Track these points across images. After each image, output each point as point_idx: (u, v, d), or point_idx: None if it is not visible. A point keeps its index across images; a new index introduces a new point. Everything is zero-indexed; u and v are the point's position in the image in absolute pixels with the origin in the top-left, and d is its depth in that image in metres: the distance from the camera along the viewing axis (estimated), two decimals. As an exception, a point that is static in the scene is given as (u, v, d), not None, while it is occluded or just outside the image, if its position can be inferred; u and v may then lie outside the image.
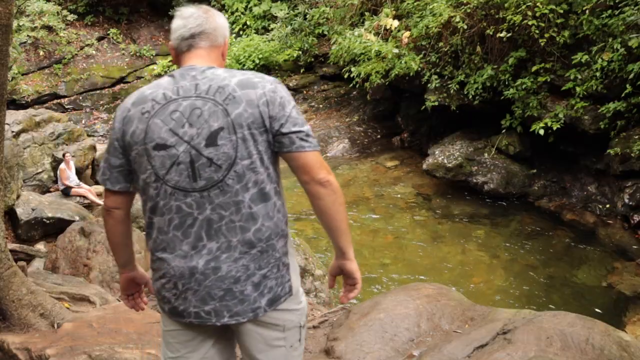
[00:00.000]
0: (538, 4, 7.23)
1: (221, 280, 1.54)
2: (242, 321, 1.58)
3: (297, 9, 13.54)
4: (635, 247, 6.47)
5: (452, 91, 8.62)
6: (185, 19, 1.60)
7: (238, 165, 1.50)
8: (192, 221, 1.53)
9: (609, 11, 6.84)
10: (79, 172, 8.74)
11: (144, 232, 1.67)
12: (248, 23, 14.75)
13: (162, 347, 1.72)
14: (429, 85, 8.81)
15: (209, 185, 1.51)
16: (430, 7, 8.78)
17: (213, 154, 1.50)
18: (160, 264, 1.58)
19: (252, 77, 1.55)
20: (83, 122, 13.15)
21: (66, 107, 13.61)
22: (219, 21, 1.64)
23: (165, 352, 1.70)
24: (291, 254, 1.67)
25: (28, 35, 13.48)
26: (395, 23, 9.28)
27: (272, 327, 1.63)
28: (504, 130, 8.29)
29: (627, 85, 6.55)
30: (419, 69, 8.79)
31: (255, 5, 14.73)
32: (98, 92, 14.20)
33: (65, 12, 14.19)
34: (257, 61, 13.30)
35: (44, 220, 6.54)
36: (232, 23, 15.06)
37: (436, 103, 8.82)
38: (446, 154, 8.54)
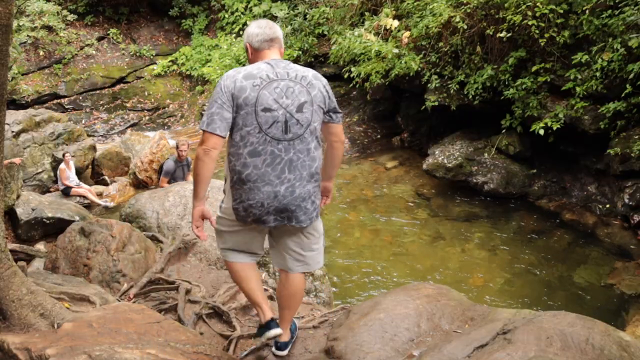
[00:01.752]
0: (538, 4, 7.23)
1: (295, 199, 2.37)
2: (303, 226, 2.46)
3: (297, 9, 13.53)
4: (635, 247, 6.47)
5: (452, 91, 8.62)
6: (263, 28, 2.45)
7: (312, 125, 2.37)
8: (279, 160, 2.33)
9: (609, 11, 6.84)
10: (79, 172, 8.74)
11: (228, 175, 2.44)
12: (248, 23, 14.69)
13: (225, 242, 2.59)
14: (429, 85, 8.80)
15: (294, 137, 2.34)
16: (430, 7, 8.78)
17: (300, 117, 2.34)
18: (251, 191, 2.34)
19: (317, 73, 2.47)
20: (83, 122, 13.14)
21: (66, 107, 13.61)
22: (280, 31, 2.50)
23: (227, 242, 2.59)
24: None
25: (28, 35, 13.48)
26: (395, 23, 9.28)
27: (313, 232, 2.57)
28: (504, 130, 8.29)
29: (627, 85, 6.55)
30: (419, 69, 8.78)
31: (255, 5, 14.72)
32: (98, 92, 14.19)
33: (65, 12, 14.19)
34: (257, 61, 13.29)
35: (44, 220, 6.53)
36: (232, 23, 15.06)
37: (436, 103, 8.82)
38: (446, 154, 8.54)
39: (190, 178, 7.45)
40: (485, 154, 8.41)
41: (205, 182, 2.36)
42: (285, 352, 2.78)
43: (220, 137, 2.28)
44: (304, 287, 2.70)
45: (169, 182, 7.29)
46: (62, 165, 8.30)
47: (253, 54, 2.46)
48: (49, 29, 13.95)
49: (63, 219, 6.59)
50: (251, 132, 2.29)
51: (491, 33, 7.89)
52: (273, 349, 2.79)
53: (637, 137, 6.66)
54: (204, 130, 2.30)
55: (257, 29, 2.43)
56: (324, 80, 2.46)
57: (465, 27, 8.10)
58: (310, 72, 2.41)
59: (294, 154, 2.33)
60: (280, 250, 2.60)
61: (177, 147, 7.59)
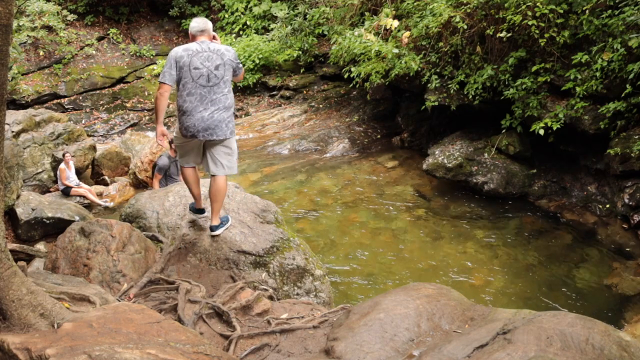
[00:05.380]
0: (538, 4, 7.23)
1: (214, 121, 3.86)
2: (220, 138, 3.93)
3: (297, 9, 13.53)
4: (635, 247, 6.47)
5: (452, 91, 8.62)
6: (198, 23, 3.96)
7: (224, 78, 3.90)
8: (205, 99, 3.84)
9: (609, 11, 6.85)
10: (79, 172, 8.74)
11: (175, 116, 4.07)
12: (248, 23, 14.73)
13: (182, 155, 4.17)
14: (429, 85, 8.80)
15: (214, 85, 3.85)
16: (430, 7, 8.78)
17: (217, 73, 3.86)
18: (188, 117, 3.84)
19: (228, 47, 3.99)
20: (83, 122, 13.13)
21: (66, 107, 13.60)
22: (210, 25, 4.02)
23: (183, 155, 4.17)
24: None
25: (28, 35, 13.47)
26: (395, 23, 9.28)
27: (227, 147, 4.04)
28: (504, 130, 8.29)
29: (627, 85, 6.55)
30: (419, 69, 8.79)
31: (255, 5, 14.72)
32: (98, 92, 14.19)
33: (65, 12, 14.19)
34: (257, 61, 13.29)
35: (44, 220, 6.54)
36: (232, 23, 15.05)
37: (436, 103, 8.82)
38: (446, 154, 8.55)
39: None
40: (485, 154, 8.41)
41: (162, 111, 3.86)
42: (217, 232, 4.21)
43: (169, 85, 3.79)
44: (225, 186, 4.11)
45: (163, 179, 7.28)
46: (62, 165, 8.30)
47: (192, 38, 3.96)
48: (49, 29, 13.95)
49: (63, 219, 6.59)
50: (187, 82, 3.82)
51: (491, 33, 7.89)
52: (209, 231, 4.24)
53: (637, 137, 6.66)
54: (160, 82, 3.81)
55: (195, 23, 3.95)
56: (232, 50, 3.99)
57: (465, 27, 8.10)
58: (223, 47, 3.94)
59: (214, 94, 3.84)
60: (208, 159, 4.05)
61: (171, 144, 7.57)
